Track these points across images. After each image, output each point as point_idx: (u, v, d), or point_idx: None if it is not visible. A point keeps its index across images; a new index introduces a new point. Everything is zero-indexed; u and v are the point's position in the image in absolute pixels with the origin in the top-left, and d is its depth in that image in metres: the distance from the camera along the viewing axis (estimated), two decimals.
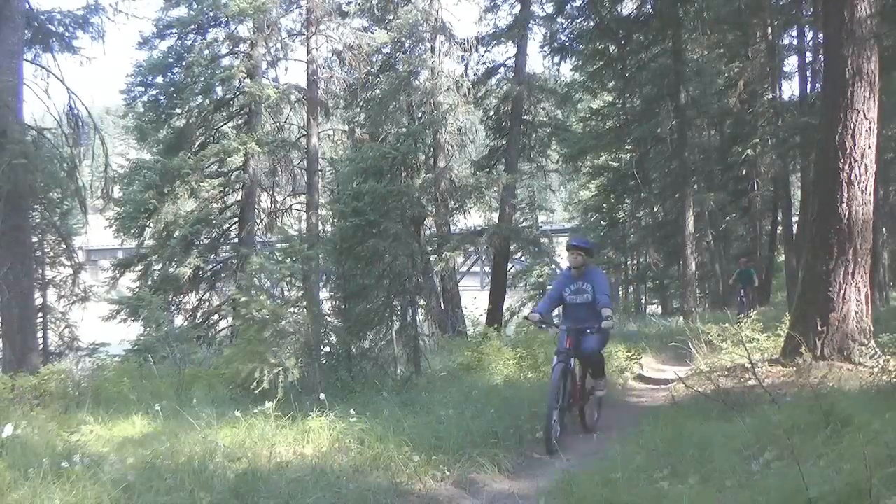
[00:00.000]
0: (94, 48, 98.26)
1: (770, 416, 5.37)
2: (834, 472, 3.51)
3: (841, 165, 8.41)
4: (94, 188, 16.89)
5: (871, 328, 8.63)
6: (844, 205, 8.38)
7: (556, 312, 8.13)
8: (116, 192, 18.76)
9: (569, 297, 7.46)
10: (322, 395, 6.43)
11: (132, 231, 19.55)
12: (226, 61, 21.26)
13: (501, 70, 23.49)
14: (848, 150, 8.39)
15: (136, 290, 19.67)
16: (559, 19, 21.38)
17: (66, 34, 15.68)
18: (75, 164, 14.50)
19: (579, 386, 7.53)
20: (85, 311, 20.20)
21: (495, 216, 23.10)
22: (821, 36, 15.92)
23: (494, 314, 21.61)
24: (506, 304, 25.37)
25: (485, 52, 22.96)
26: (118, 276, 20.68)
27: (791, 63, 24.63)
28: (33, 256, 15.73)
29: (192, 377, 8.92)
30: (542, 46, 22.89)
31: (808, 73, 21.28)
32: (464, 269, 26.28)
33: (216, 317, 21.63)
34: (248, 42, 21.01)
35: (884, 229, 22.93)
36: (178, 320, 19.93)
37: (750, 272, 20.11)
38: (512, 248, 23.63)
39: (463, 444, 5.92)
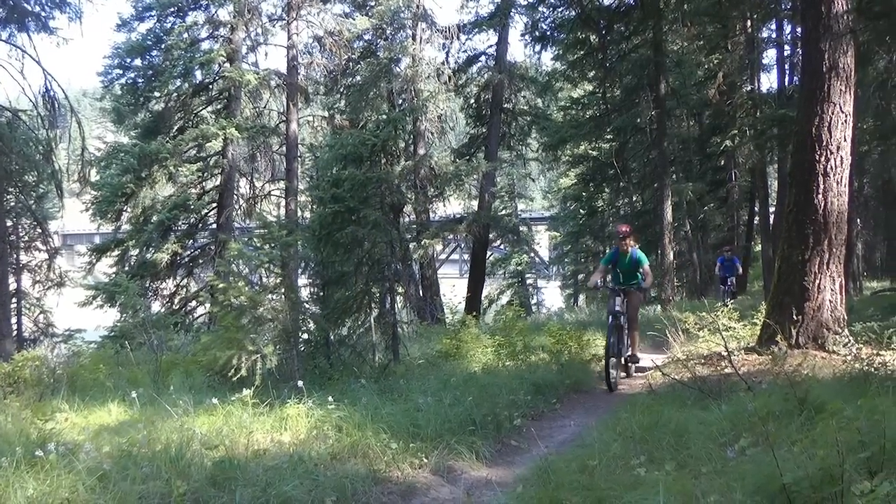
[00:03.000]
0: (71, 29, 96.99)
1: (745, 404, 5.42)
2: (807, 458, 3.54)
3: (817, 157, 8.49)
4: (71, 171, 16.75)
5: (845, 317, 8.75)
6: (820, 196, 8.47)
7: None
8: (93, 176, 18.61)
9: None
10: (300, 383, 6.41)
11: (109, 215, 19.41)
12: (205, 45, 21.13)
13: (482, 58, 23.51)
14: (824, 143, 8.48)
15: (113, 275, 19.54)
16: (541, 8, 21.36)
17: (43, 14, 15.51)
18: (51, 147, 14.38)
19: None
20: (60, 296, 20.12)
21: (475, 204, 23.14)
22: (799, 30, 16.03)
23: (473, 302, 21.69)
24: (484, 292, 25.46)
25: (466, 39, 22.97)
26: (94, 261, 20.53)
27: (770, 56, 24.82)
28: (7, 241, 15.61)
29: (170, 364, 8.88)
30: (523, 35, 22.96)
31: (786, 66, 21.46)
32: (443, 256, 26.32)
33: (194, 303, 21.57)
34: (229, 26, 20.87)
35: (858, 220, 23.20)
36: (156, 306, 19.83)
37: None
38: (491, 236, 23.70)
39: (441, 432, 5.92)
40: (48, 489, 4.00)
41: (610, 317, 9.54)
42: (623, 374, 9.94)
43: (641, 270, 9.98)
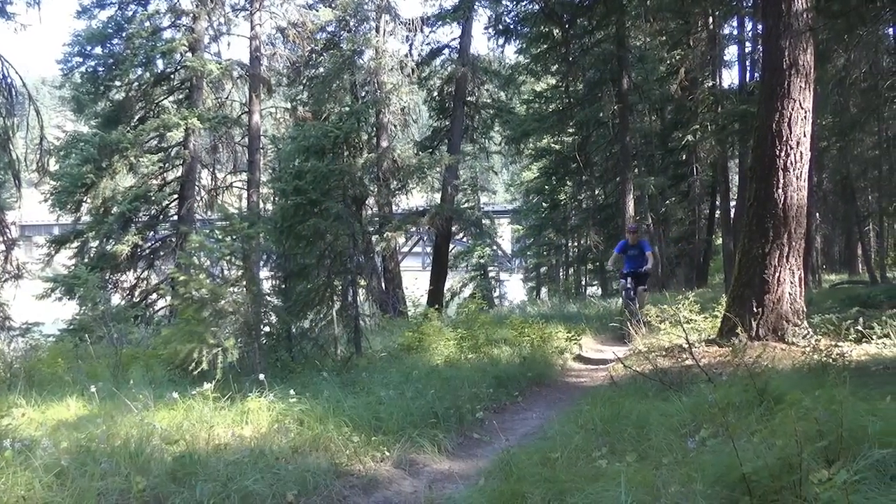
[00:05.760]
0: (29, 14, 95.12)
1: (706, 395, 5.47)
2: (767, 448, 3.58)
3: (777, 152, 8.61)
4: (29, 161, 16.39)
5: (804, 309, 8.88)
6: (780, 190, 8.59)
7: None
8: (52, 166, 18.30)
9: None
10: (261, 376, 6.35)
11: (68, 206, 19.13)
12: (167, 34, 20.89)
13: (446, 51, 23.52)
14: (784, 138, 8.60)
15: (72, 267, 19.25)
16: (504, 1, 21.41)
17: None
18: (9, 136, 14.10)
19: None
20: (18, 288, 19.69)
21: (437, 197, 23.14)
22: (760, 27, 16.21)
23: (435, 295, 21.69)
24: (447, 285, 25.48)
25: (429, 32, 22.99)
26: (53, 252, 20.21)
27: (731, 52, 25.25)
28: None
29: (130, 358, 8.74)
30: (486, 28, 22.99)
31: (747, 63, 21.80)
32: (405, 249, 26.27)
33: (154, 296, 21.31)
34: (191, 15, 20.64)
35: (817, 214, 23.55)
36: (116, 299, 19.56)
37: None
38: (454, 228, 23.71)
39: (403, 425, 5.91)
40: (3, 487, 3.92)
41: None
42: None
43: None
